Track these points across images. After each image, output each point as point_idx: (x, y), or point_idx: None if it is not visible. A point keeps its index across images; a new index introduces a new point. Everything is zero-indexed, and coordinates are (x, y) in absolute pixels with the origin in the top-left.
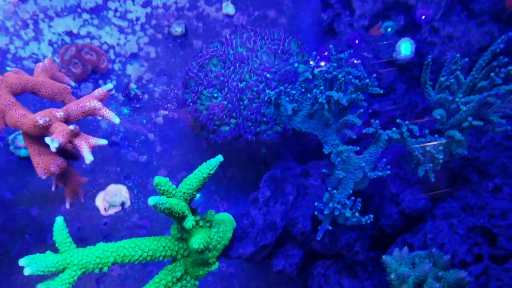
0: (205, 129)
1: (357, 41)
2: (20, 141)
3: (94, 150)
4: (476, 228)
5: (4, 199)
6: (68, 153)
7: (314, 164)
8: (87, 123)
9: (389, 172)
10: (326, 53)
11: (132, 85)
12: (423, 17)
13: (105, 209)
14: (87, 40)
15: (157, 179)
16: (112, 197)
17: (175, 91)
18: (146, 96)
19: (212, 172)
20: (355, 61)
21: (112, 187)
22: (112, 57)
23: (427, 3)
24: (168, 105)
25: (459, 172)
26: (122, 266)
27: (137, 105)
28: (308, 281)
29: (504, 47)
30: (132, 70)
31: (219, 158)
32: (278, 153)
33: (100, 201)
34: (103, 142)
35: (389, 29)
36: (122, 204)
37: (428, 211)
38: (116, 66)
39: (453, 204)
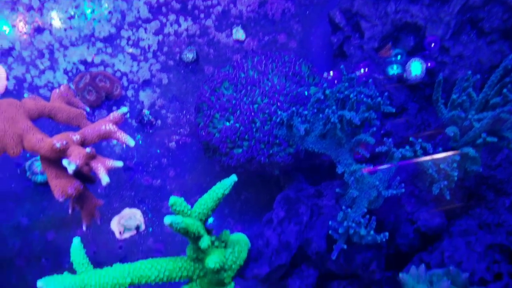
0: (217, 152)
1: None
2: (37, 167)
3: (109, 175)
4: (494, 245)
5: (20, 225)
6: (84, 177)
7: (327, 185)
8: (101, 149)
9: (403, 190)
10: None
11: (145, 111)
12: (432, 44)
13: (120, 232)
14: (101, 68)
15: (172, 199)
16: (127, 221)
17: (187, 116)
18: (159, 122)
19: (226, 192)
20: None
21: (126, 211)
22: (125, 84)
23: (436, 23)
24: (181, 130)
25: (475, 191)
26: None
27: (151, 131)
28: None
29: None
30: (145, 96)
31: (233, 177)
32: (291, 175)
33: (115, 225)
34: (119, 164)
35: (399, 57)
36: (137, 227)
37: (444, 229)
38: (129, 93)
39: (470, 221)
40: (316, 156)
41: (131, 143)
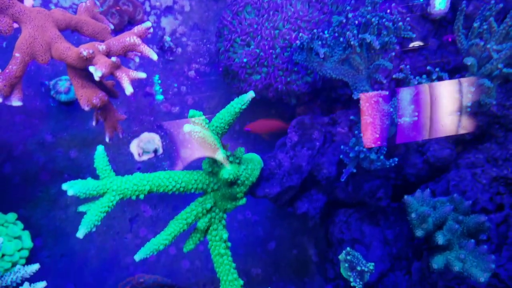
0: (236, 78)
1: None
2: (61, 86)
3: (129, 100)
4: (499, 178)
5: (45, 142)
6: (108, 90)
7: (342, 113)
8: None
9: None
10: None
11: (167, 38)
12: None
13: (139, 154)
14: None
15: (192, 112)
16: (145, 144)
17: (208, 45)
18: (179, 49)
19: (243, 107)
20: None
21: (145, 135)
22: (148, 9)
23: None
24: (200, 59)
25: (487, 130)
26: (154, 208)
27: (171, 58)
28: (330, 228)
29: None
30: (167, 23)
31: (251, 93)
32: (306, 107)
33: (135, 147)
34: (142, 75)
35: None
36: (155, 151)
37: (453, 160)
38: (151, 19)
39: (478, 155)
40: (333, 88)
41: (154, 56)
